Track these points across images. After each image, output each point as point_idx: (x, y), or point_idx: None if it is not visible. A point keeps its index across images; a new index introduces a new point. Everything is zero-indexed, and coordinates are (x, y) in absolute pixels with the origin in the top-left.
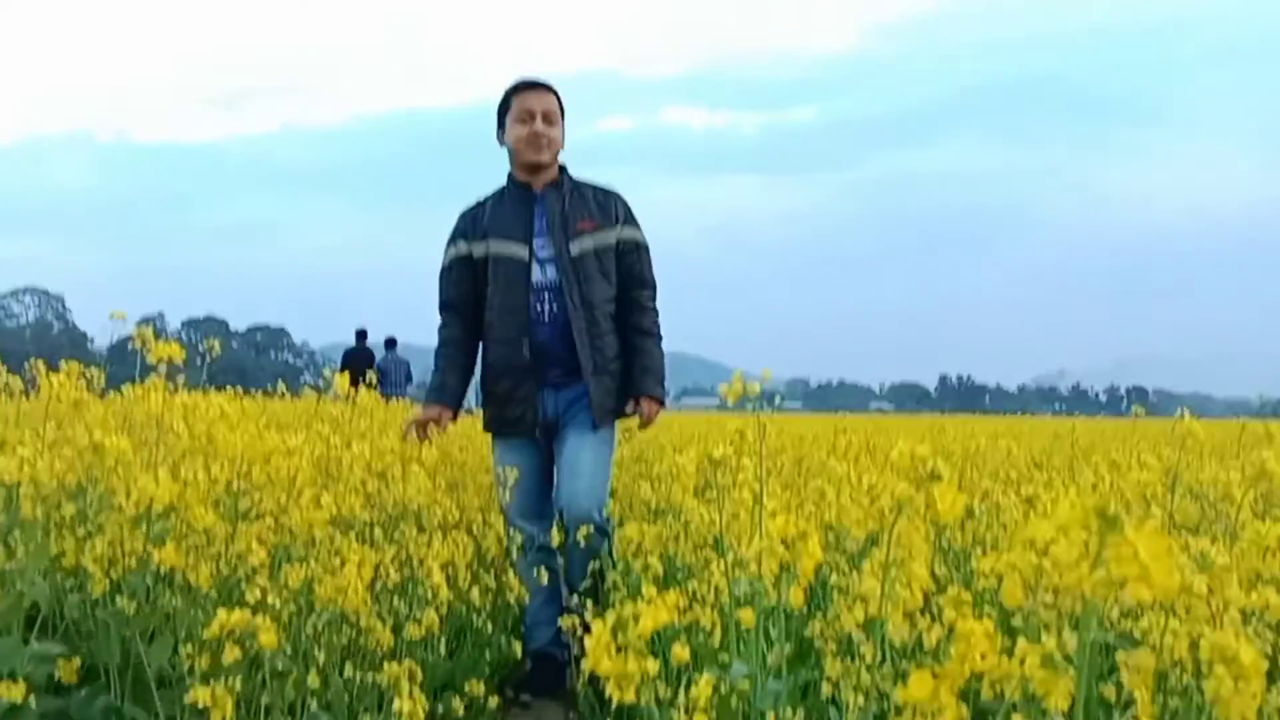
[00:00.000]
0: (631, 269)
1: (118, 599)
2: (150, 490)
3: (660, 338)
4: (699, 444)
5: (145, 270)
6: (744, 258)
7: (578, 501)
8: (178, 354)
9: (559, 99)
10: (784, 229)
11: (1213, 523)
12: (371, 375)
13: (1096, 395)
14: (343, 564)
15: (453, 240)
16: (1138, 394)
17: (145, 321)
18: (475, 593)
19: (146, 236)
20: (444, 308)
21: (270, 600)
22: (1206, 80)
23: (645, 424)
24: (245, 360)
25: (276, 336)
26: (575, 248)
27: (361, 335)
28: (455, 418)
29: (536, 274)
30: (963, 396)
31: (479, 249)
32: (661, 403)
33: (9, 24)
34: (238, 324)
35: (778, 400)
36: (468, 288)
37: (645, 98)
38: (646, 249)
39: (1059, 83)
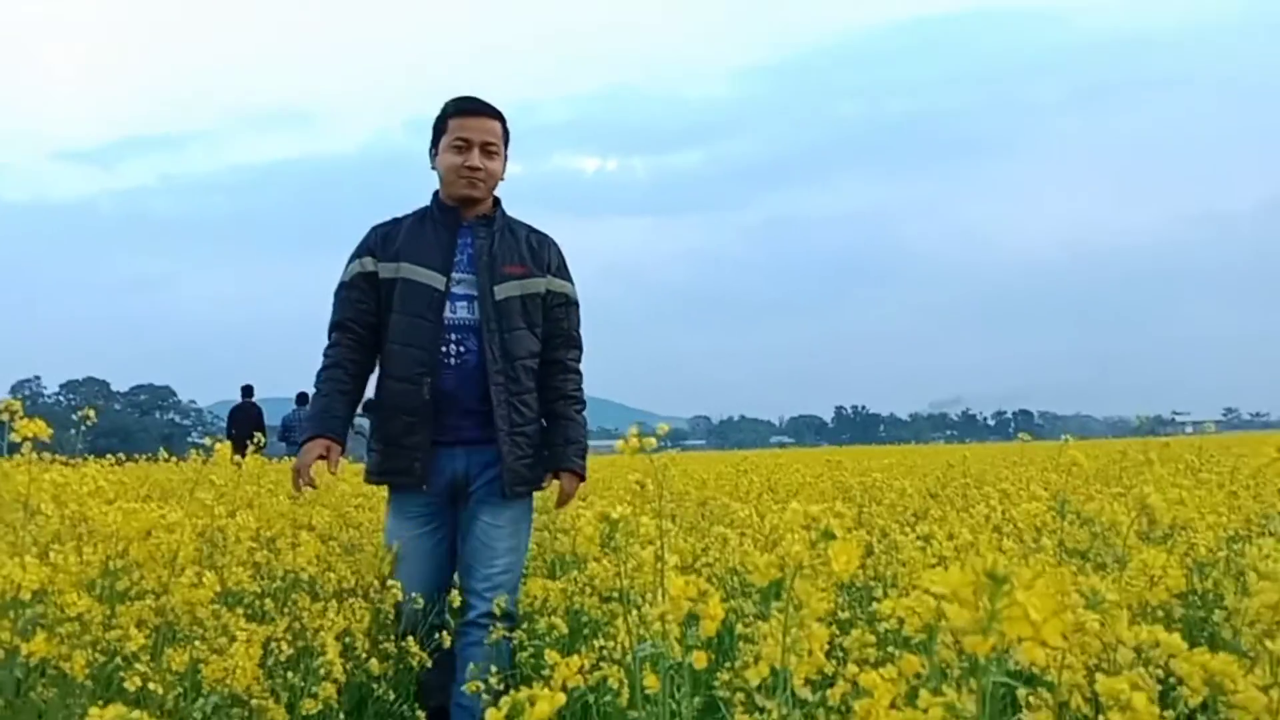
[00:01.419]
0: (559, 324)
1: None
2: (16, 576)
3: (584, 405)
4: (600, 490)
5: (19, 332)
6: (640, 298)
7: (494, 590)
8: (43, 432)
9: (504, 124)
10: (678, 269)
11: (1101, 551)
12: (259, 436)
13: (985, 420)
14: (231, 641)
15: (358, 254)
16: (1024, 418)
17: (21, 385)
18: (374, 662)
19: (19, 298)
20: (336, 327)
21: (153, 687)
22: (1066, 120)
23: (563, 502)
24: (129, 422)
25: (161, 395)
26: (500, 291)
27: (247, 391)
28: (344, 451)
29: (449, 310)
30: (859, 426)
31: (388, 270)
32: (583, 478)
33: None
34: (120, 384)
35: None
36: (367, 309)
37: (535, 143)
38: (577, 305)
39: (930, 123)
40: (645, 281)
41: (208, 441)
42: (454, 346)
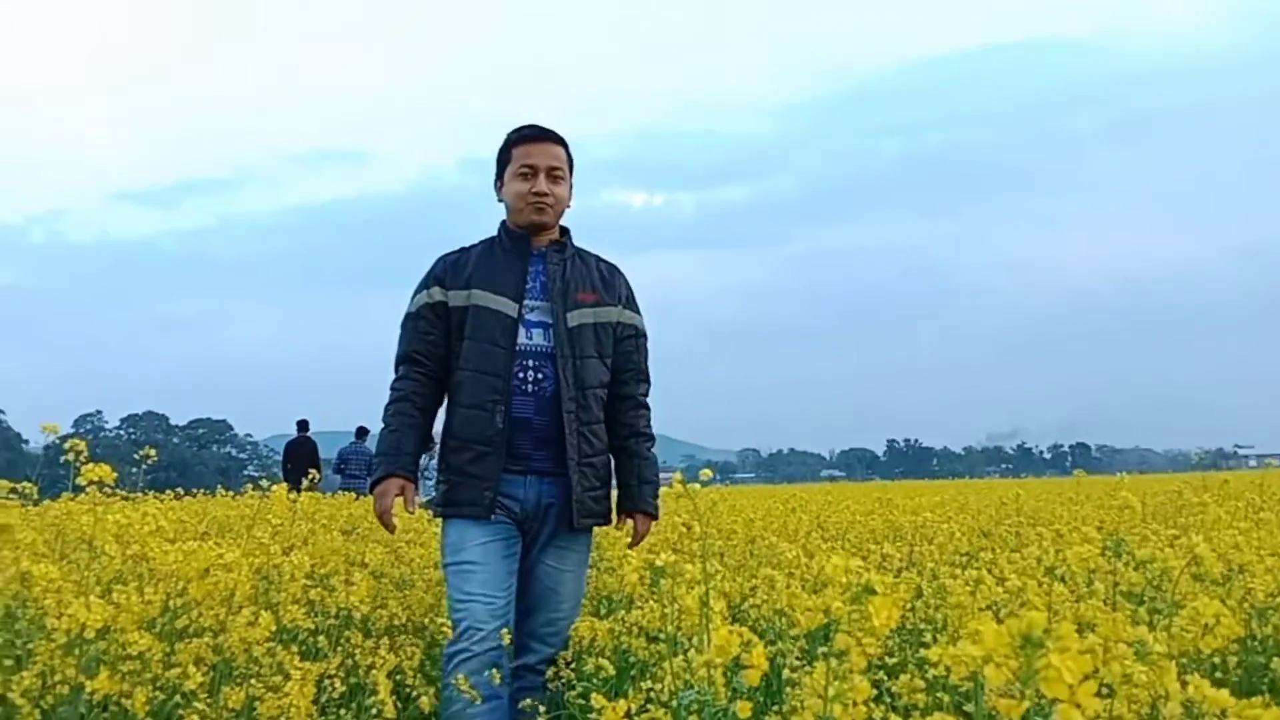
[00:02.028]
0: (630, 357)
1: None
2: (82, 616)
3: (655, 441)
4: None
5: (82, 369)
6: (688, 332)
7: (556, 637)
8: (108, 476)
9: (567, 151)
10: (725, 303)
11: (1153, 597)
12: (314, 472)
13: (1041, 453)
14: (286, 679)
15: (425, 285)
16: (1081, 451)
17: (83, 420)
18: (425, 699)
19: (81, 335)
20: (404, 360)
21: None
22: (1109, 150)
23: (636, 543)
24: (187, 455)
25: (219, 429)
26: (574, 318)
27: (303, 426)
28: (417, 488)
29: (523, 336)
30: (911, 460)
31: (458, 298)
32: (656, 518)
33: None
34: (178, 418)
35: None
36: (435, 340)
37: (582, 179)
38: (646, 338)
39: (971, 156)
40: (693, 315)
41: (264, 483)
42: (531, 373)
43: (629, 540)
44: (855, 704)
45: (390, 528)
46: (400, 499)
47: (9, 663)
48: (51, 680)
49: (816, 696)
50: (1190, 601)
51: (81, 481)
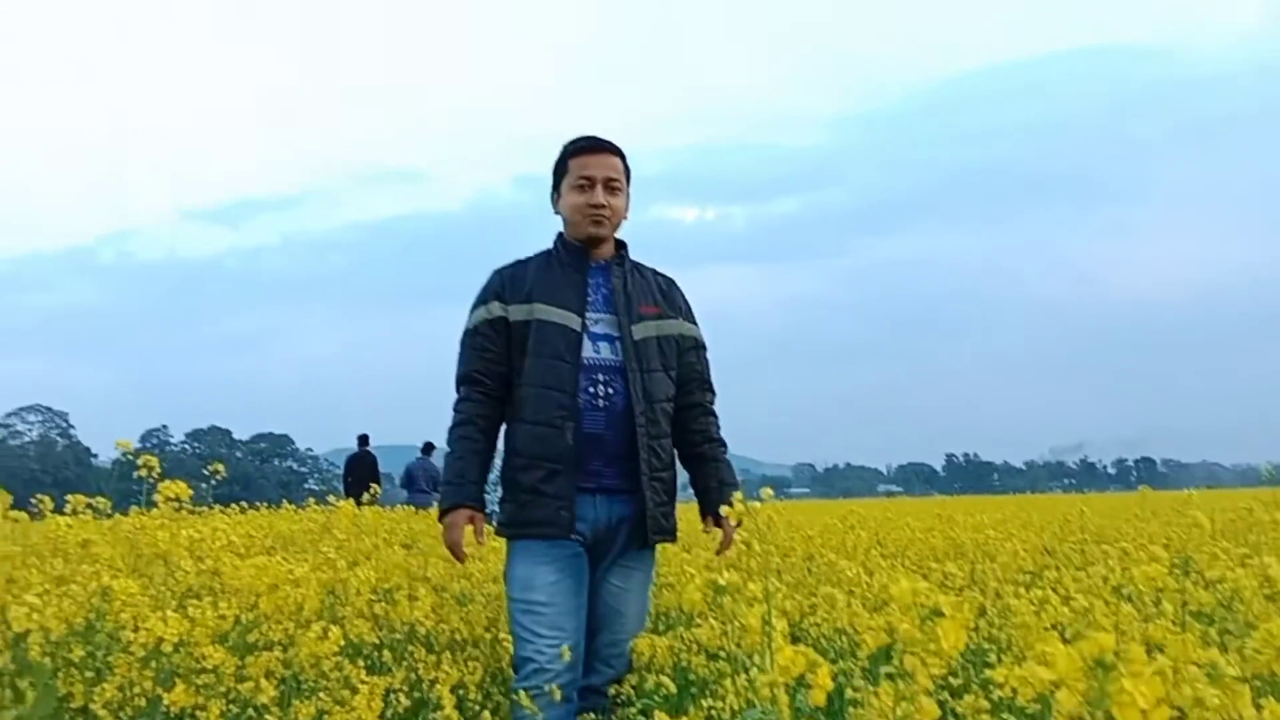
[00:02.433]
0: (694, 368)
1: None
2: (159, 630)
3: (727, 447)
4: (705, 543)
5: (147, 385)
6: (741, 345)
7: (619, 658)
8: (184, 493)
9: (624, 161)
10: (778, 316)
11: (1225, 616)
12: (375, 486)
13: (1105, 468)
14: (353, 693)
15: (483, 300)
16: (1146, 465)
17: (149, 434)
18: (486, 714)
19: (148, 351)
20: (464, 380)
21: None
22: (1173, 157)
23: (725, 548)
24: (250, 469)
25: (280, 444)
26: (638, 331)
27: (363, 441)
28: (487, 516)
29: (589, 350)
30: (970, 475)
31: (519, 312)
32: (740, 522)
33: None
34: (241, 433)
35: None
36: (495, 357)
37: (634, 195)
38: (706, 349)
39: (1028, 166)
40: (746, 328)
41: (330, 498)
42: (601, 388)
43: (717, 545)
44: None
45: (461, 558)
46: (470, 529)
47: (90, 675)
48: (130, 692)
49: (882, 717)
50: (1263, 623)
51: (159, 499)
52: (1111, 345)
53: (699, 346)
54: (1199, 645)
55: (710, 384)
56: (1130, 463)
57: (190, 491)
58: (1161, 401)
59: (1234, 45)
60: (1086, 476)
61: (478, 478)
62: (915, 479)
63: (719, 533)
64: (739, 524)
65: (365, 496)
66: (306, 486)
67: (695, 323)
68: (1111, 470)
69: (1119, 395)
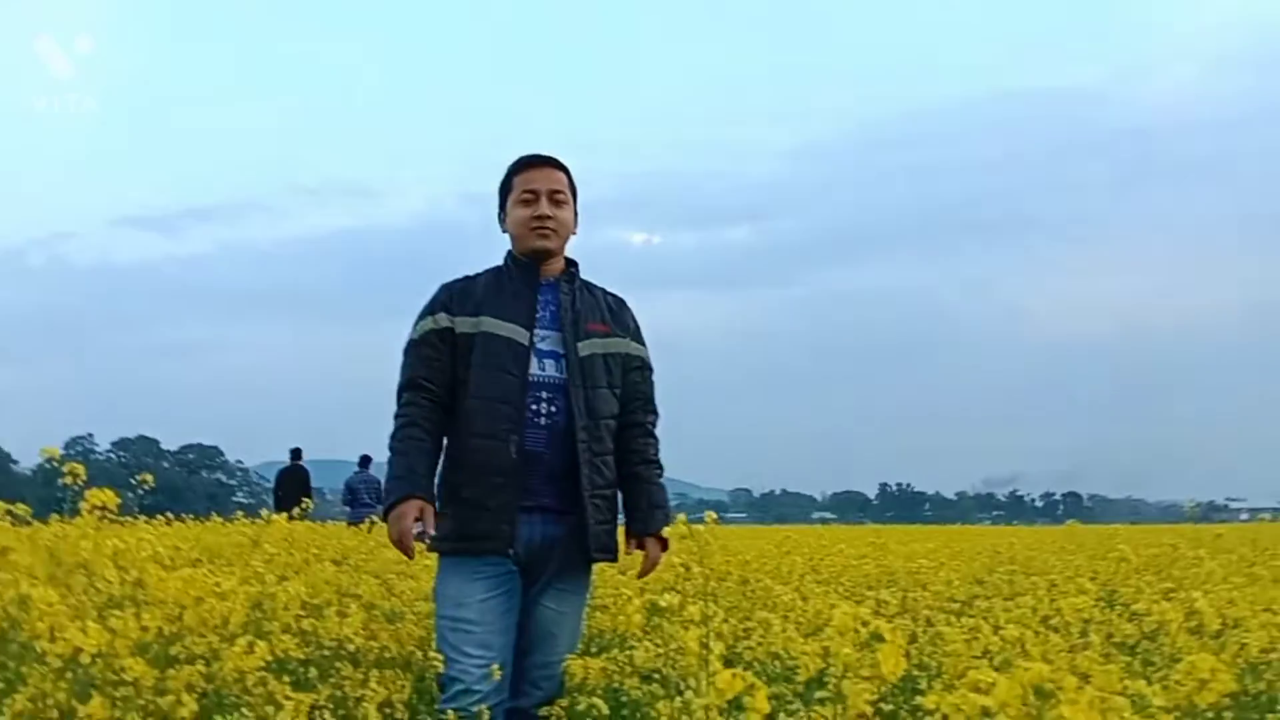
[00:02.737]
0: (638, 388)
1: None
2: (78, 640)
3: (663, 470)
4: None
5: (74, 391)
6: (684, 369)
7: (550, 681)
8: (111, 501)
9: (569, 176)
10: (722, 342)
11: (1147, 650)
12: (306, 501)
13: (1033, 501)
14: (277, 709)
15: (430, 311)
16: (1073, 500)
17: (74, 442)
18: None
19: (76, 357)
20: (408, 386)
21: None
22: (1114, 200)
23: (647, 571)
24: (177, 480)
25: (209, 455)
26: (585, 348)
27: (296, 454)
28: (436, 509)
29: (534, 366)
30: (903, 504)
31: (466, 325)
32: (666, 546)
33: None
34: (169, 443)
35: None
36: (441, 366)
37: (582, 218)
38: (652, 370)
39: (977, 203)
40: (689, 353)
41: (264, 513)
42: (544, 405)
43: (638, 569)
44: None
45: (409, 552)
46: (418, 521)
47: (0, 685)
48: (44, 705)
49: None
50: (1186, 655)
51: (84, 506)
52: (1044, 382)
53: (644, 367)
54: (1124, 676)
55: (653, 405)
56: (1058, 496)
57: (117, 500)
58: (1094, 438)
59: (1173, 95)
60: (1015, 509)
61: (425, 472)
62: (849, 507)
63: (640, 555)
64: (665, 548)
65: (297, 511)
66: (235, 499)
67: (644, 344)
68: (1039, 504)
69: (1054, 430)
